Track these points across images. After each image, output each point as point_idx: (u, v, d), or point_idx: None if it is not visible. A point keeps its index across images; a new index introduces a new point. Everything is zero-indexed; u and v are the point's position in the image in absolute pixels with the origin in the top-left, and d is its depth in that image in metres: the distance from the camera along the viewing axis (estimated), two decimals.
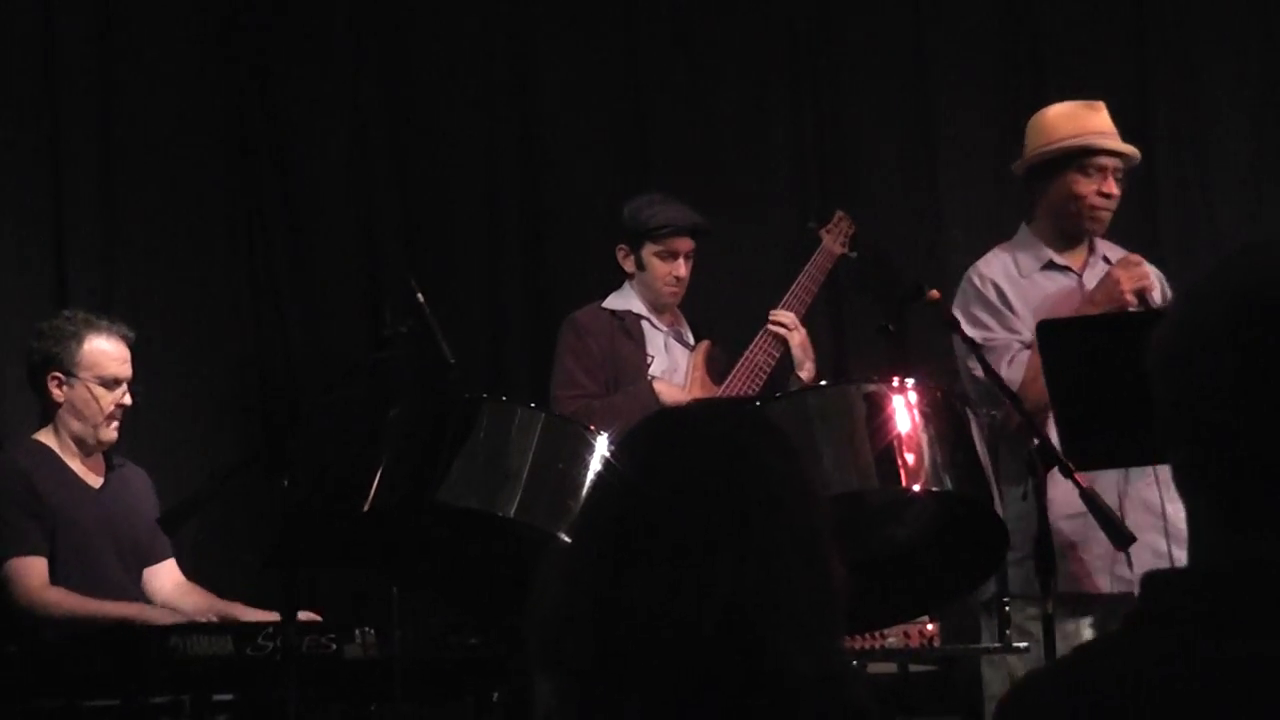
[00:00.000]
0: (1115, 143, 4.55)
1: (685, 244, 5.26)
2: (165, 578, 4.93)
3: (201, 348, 5.80)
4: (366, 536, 3.98)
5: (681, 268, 5.26)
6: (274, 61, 6.16)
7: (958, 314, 4.54)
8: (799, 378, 5.16)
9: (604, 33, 6.19)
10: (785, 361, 5.20)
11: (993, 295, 4.53)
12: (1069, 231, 4.59)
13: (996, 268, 4.64)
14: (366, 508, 3.82)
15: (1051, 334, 4.00)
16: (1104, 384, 3.65)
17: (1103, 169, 4.53)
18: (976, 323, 4.46)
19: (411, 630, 4.33)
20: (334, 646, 4.29)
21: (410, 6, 6.20)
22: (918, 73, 6.02)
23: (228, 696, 4.33)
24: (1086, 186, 4.53)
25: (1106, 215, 4.56)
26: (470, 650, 4.47)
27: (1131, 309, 4.36)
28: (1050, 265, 4.61)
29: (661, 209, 5.27)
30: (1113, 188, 4.53)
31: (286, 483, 4.07)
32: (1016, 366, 4.37)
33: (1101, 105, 4.61)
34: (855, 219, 5.57)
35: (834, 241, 5.47)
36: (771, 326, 5.21)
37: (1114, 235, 4.88)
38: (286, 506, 4.19)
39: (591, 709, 1.79)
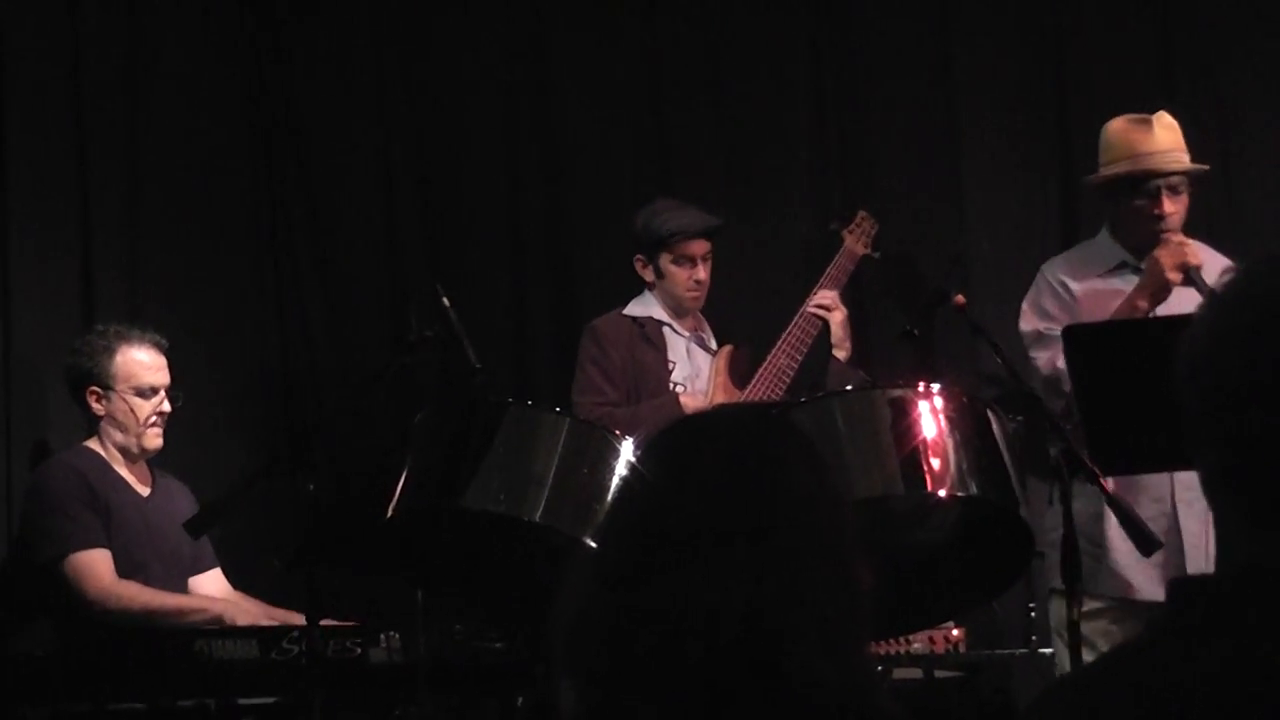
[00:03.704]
0: (1163, 162, 4.51)
1: (701, 247, 5.25)
2: (213, 587, 4.96)
3: (227, 353, 5.81)
4: (391, 541, 3.98)
5: (700, 271, 5.25)
6: (297, 71, 6.16)
7: (1027, 306, 4.56)
8: (836, 359, 5.17)
9: (625, 36, 6.19)
10: (809, 364, 5.19)
11: (1061, 290, 4.52)
12: (1141, 245, 4.57)
13: (1068, 265, 4.64)
14: (391, 512, 3.83)
15: (1078, 339, 3.99)
16: (1131, 389, 3.63)
17: (1154, 190, 4.51)
18: (1045, 315, 4.47)
19: (436, 634, 4.33)
20: (359, 650, 4.30)
21: (432, 14, 6.21)
22: (941, 78, 6.00)
23: (253, 700, 4.34)
24: (1140, 207, 4.52)
25: (1170, 230, 4.52)
26: (495, 654, 4.47)
27: (1176, 285, 4.36)
28: (1123, 265, 4.59)
29: (672, 216, 5.26)
30: (1166, 207, 4.50)
31: (311, 487, 4.08)
32: None
33: (1155, 119, 4.57)
34: (878, 221, 5.56)
35: (856, 242, 5.47)
36: (813, 310, 5.21)
37: None
38: (311, 511, 4.20)
39: (614, 714, 1.79)
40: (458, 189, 6.17)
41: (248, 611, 4.73)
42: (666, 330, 5.30)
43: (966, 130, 5.89)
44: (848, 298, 5.40)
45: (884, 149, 6.01)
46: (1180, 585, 1.38)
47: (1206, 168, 4.61)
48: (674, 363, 5.26)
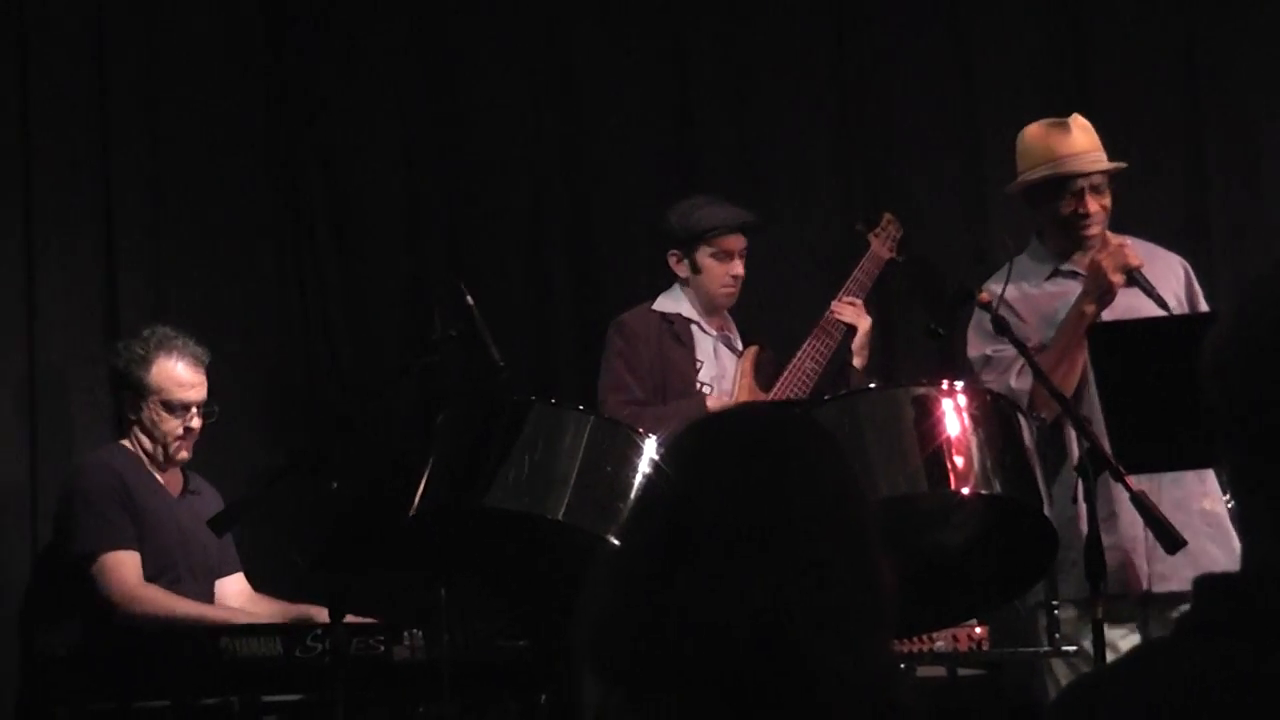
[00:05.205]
0: (1082, 163, 4.54)
1: (739, 242, 5.24)
2: (235, 589, 4.97)
3: (250, 353, 5.81)
4: (414, 539, 3.98)
5: (738, 266, 5.24)
6: (319, 69, 6.17)
7: (971, 331, 4.57)
8: (853, 366, 5.16)
9: (649, 35, 6.19)
10: (834, 365, 5.18)
11: (1002, 309, 4.52)
12: (1069, 246, 4.60)
13: (1014, 281, 4.64)
14: (414, 511, 3.83)
15: (1102, 337, 3.99)
16: (1155, 387, 3.63)
17: (1078, 190, 4.53)
18: (990, 336, 4.45)
19: (459, 632, 4.34)
20: (382, 648, 4.31)
21: (454, 8, 6.21)
22: (963, 77, 6.00)
23: (277, 698, 4.35)
24: (1066, 208, 4.56)
25: (1097, 227, 4.56)
26: (518, 652, 4.48)
27: (1120, 287, 4.37)
28: (1056, 273, 4.61)
29: (711, 210, 5.24)
30: (1090, 205, 4.54)
31: (334, 486, 4.09)
32: (1024, 377, 4.36)
33: (1071, 121, 4.60)
34: (902, 222, 5.55)
35: (882, 246, 5.44)
36: (837, 318, 5.20)
37: (1165, 234, 4.86)
38: (334, 510, 4.21)
39: (638, 711, 1.79)
40: (481, 188, 6.18)
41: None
42: (695, 329, 5.28)
43: (988, 127, 5.87)
44: (871, 297, 5.39)
45: (907, 147, 6.00)
46: (1205, 583, 1.37)
47: (1125, 165, 4.62)
48: (701, 362, 5.24)
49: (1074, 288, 4.53)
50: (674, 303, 5.30)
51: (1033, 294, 4.61)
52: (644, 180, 6.04)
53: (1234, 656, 1.29)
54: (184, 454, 4.90)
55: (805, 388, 5.10)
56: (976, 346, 4.55)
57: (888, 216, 5.53)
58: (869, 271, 5.36)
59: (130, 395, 4.86)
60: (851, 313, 5.23)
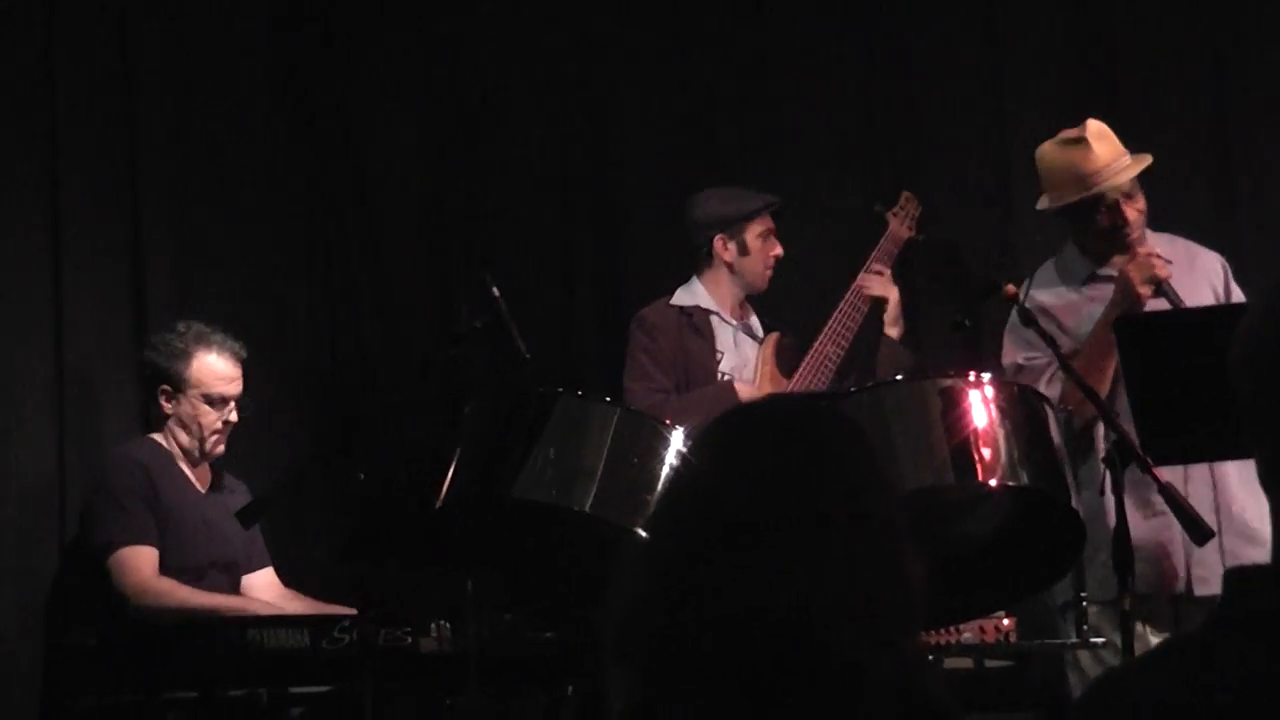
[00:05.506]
0: (1109, 176, 4.50)
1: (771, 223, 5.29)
2: (264, 583, 4.98)
3: (277, 344, 5.81)
4: (440, 531, 3.99)
5: (779, 246, 5.29)
6: (345, 61, 6.18)
7: (1007, 337, 4.56)
8: (889, 336, 5.16)
9: (672, 23, 6.18)
10: (858, 345, 5.18)
11: (1040, 317, 4.50)
12: (1105, 254, 4.58)
13: (1043, 287, 4.63)
14: (440, 503, 3.84)
15: (1129, 331, 3.98)
16: (1183, 379, 3.62)
17: (1112, 203, 4.50)
18: (1025, 344, 4.44)
19: (486, 624, 4.34)
20: (409, 640, 4.32)
21: (478, 6, 6.22)
22: (991, 67, 5.97)
23: (305, 689, 4.36)
24: (1104, 223, 4.54)
25: (1138, 231, 4.53)
26: (544, 644, 4.48)
27: (1148, 299, 4.37)
28: (1093, 278, 4.59)
29: (750, 194, 5.32)
30: (1128, 214, 4.51)
31: (361, 478, 4.09)
32: (1054, 385, 4.34)
33: (1087, 133, 4.54)
34: (923, 204, 5.53)
35: (901, 225, 5.44)
36: (865, 291, 5.20)
37: (1191, 231, 4.84)
38: (361, 502, 4.21)
39: (664, 703, 1.79)
40: (506, 180, 6.18)
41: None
42: (714, 319, 5.29)
43: (1014, 117, 5.85)
44: (897, 284, 5.38)
45: (931, 137, 5.98)
46: (1235, 577, 1.37)
47: (1150, 160, 4.59)
48: (722, 353, 5.25)
49: (1108, 291, 4.51)
50: (691, 296, 5.31)
51: (1071, 299, 4.59)
52: (666, 172, 6.03)
53: (1247, 654, 1.28)
54: (219, 449, 4.92)
55: (827, 373, 5.11)
56: (1010, 353, 4.54)
57: (906, 195, 5.52)
58: (888, 251, 5.36)
59: (167, 390, 4.87)
60: (879, 283, 5.23)
